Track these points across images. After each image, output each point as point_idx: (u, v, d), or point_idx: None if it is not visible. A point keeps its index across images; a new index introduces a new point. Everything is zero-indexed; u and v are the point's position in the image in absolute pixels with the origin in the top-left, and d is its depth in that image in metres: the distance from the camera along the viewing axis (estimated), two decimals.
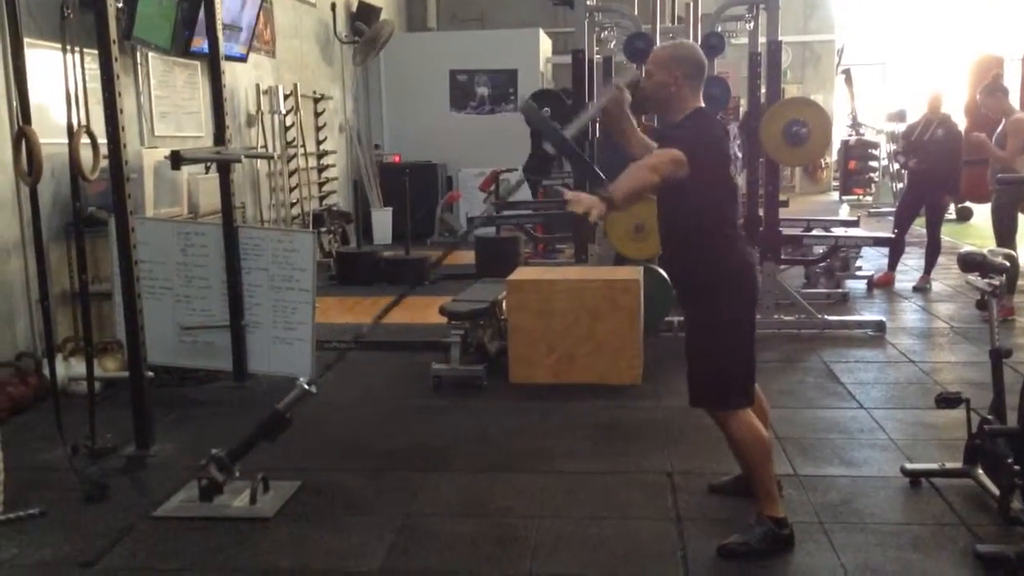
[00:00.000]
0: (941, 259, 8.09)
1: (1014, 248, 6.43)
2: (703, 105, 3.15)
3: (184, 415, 4.74)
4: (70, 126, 3.88)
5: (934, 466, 3.67)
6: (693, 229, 3.10)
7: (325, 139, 10.27)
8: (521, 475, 3.85)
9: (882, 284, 8.04)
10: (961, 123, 11.59)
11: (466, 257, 9.12)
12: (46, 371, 4.45)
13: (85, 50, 3.99)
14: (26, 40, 3.83)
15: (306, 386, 3.62)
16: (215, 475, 3.50)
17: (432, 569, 3.06)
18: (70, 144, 3.87)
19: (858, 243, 7.79)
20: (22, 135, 3.67)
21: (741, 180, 3.24)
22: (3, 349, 4.95)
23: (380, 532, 3.32)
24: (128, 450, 4.10)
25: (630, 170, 2.95)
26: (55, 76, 3.94)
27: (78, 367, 4.78)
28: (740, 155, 3.16)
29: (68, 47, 3.86)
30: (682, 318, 3.63)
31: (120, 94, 3.95)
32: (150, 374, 4.29)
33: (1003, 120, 6.93)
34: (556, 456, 4.07)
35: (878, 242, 7.57)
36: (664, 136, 3.14)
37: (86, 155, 3.96)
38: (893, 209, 12.21)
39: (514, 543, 3.21)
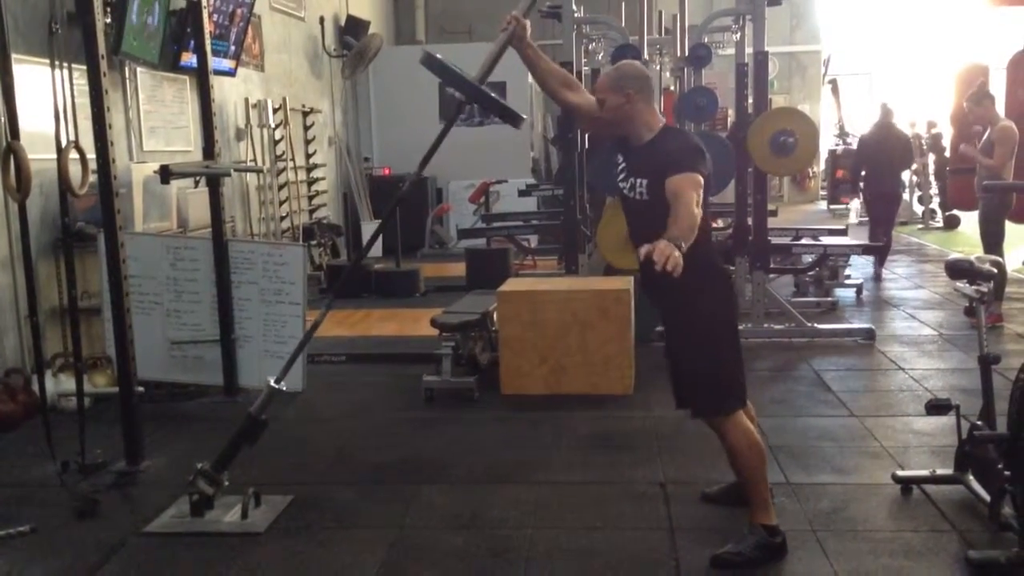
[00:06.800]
0: (928, 267, 8.14)
1: (1001, 255, 6.46)
2: (664, 120, 3.20)
3: (175, 430, 4.72)
4: (58, 142, 3.88)
5: (925, 473, 3.68)
6: None
7: (314, 152, 10.27)
8: (514, 486, 3.84)
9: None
10: (947, 133, 11.72)
11: (456, 269, 9.11)
12: (36, 387, 4.42)
13: (73, 65, 3.99)
14: (14, 56, 3.83)
15: (274, 384, 3.58)
16: (204, 488, 3.49)
17: None
18: (59, 160, 3.87)
19: (846, 252, 7.86)
20: (10, 151, 3.67)
21: None
22: None
23: (373, 546, 3.30)
24: (118, 466, 4.08)
25: (681, 212, 2.85)
26: (43, 92, 3.93)
27: (68, 383, 4.77)
28: None
29: (56, 62, 3.86)
30: None
31: (108, 109, 3.95)
32: (140, 389, 4.27)
33: (988, 128, 6.96)
34: (549, 467, 4.07)
35: (866, 251, 7.64)
36: (663, 159, 3.03)
37: (75, 170, 3.96)
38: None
39: (508, 555, 3.20)
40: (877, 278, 8.78)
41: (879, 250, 8.45)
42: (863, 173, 9.39)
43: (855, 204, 13.36)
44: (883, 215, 9.15)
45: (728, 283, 3.25)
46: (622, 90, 3.11)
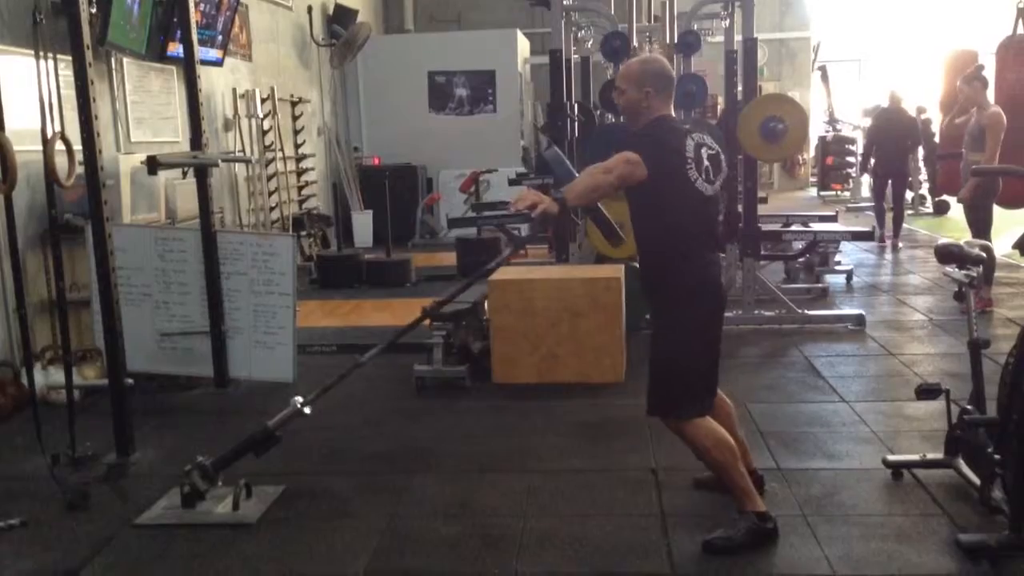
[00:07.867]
0: (918, 252, 8.16)
1: (990, 240, 6.48)
2: (669, 113, 3.23)
3: (165, 422, 4.71)
4: (44, 133, 3.85)
5: (915, 457, 3.69)
6: (657, 239, 3.19)
7: (303, 142, 10.23)
8: (506, 475, 3.84)
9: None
10: (937, 119, 11.77)
11: (447, 258, 9.11)
12: (25, 380, 4.40)
13: (59, 56, 3.96)
14: None
15: (300, 406, 3.59)
16: (197, 482, 3.48)
17: (418, 571, 3.05)
18: (45, 151, 3.84)
19: (836, 238, 7.86)
20: None
21: (716, 185, 3.24)
22: None
23: (365, 535, 3.30)
24: (109, 458, 4.07)
25: (585, 171, 3.07)
26: (29, 83, 3.90)
27: (57, 376, 4.74)
28: (707, 163, 3.17)
29: (41, 53, 3.83)
30: None
31: (95, 100, 3.92)
32: (130, 381, 4.25)
33: (973, 111, 6.96)
34: (540, 455, 4.07)
35: (856, 236, 7.64)
36: (622, 142, 3.20)
37: (61, 162, 3.93)
38: (870, 204, 12.39)
39: (500, 543, 3.21)
40: (893, 248, 9.71)
41: (869, 236, 8.46)
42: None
43: (865, 179, 13.56)
44: (889, 192, 10.01)
45: (714, 295, 3.25)
46: (642, 86, 3.15)
